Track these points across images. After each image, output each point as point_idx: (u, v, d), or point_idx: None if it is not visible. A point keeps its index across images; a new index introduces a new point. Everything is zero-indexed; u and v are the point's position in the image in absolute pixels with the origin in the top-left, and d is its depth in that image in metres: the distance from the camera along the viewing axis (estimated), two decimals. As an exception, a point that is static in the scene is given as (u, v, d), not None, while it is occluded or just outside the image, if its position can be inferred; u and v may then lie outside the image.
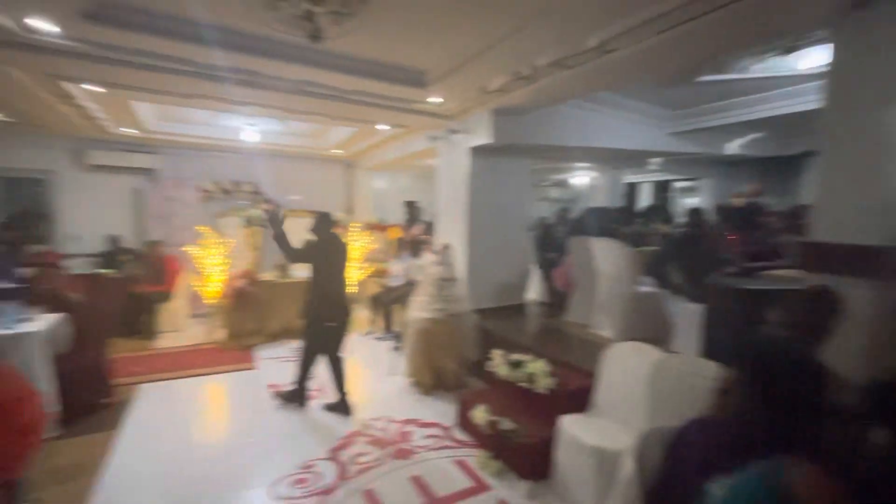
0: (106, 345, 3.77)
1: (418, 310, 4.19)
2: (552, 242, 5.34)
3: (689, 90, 4.39)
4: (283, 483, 2.68)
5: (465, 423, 3.32)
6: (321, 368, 3.64)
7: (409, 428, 3.39)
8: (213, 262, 5.46)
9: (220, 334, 5.24)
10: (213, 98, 3.93)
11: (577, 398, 2.88)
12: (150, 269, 5.73)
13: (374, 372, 4.61)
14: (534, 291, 5.60)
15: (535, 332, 4.40)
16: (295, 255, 3.53)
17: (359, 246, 6.49)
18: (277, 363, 4.66)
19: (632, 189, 9.77)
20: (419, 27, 2.73)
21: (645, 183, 9.75)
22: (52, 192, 6.23)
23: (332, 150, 7.00)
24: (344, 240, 3.79)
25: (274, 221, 3.46)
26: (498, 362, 3.35)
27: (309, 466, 2.86)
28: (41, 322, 3.14)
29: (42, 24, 2.54)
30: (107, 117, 4.91)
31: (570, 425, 2.62)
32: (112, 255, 5.98)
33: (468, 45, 2.92)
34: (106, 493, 2.55)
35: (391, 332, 5.60)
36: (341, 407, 3.58)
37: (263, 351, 5.06)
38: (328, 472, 2.81)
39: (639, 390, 2.50)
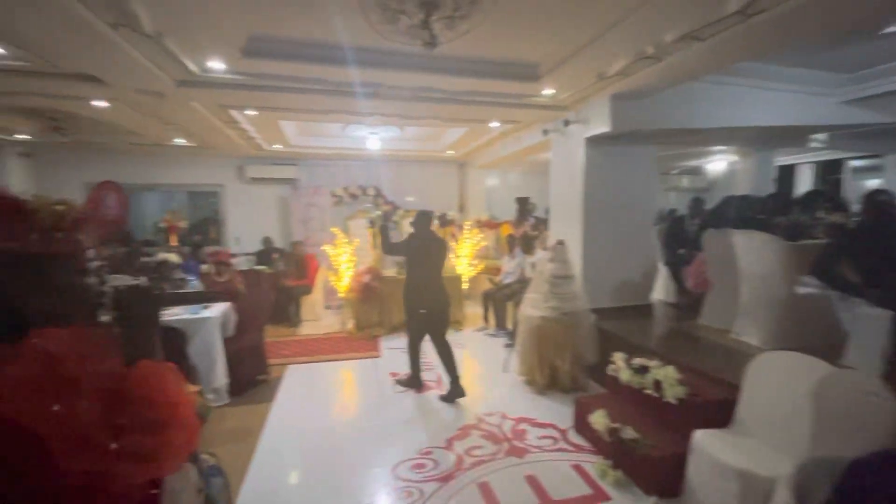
0: (263, 330, 4.44)
1: (531, 307, 4.13)
2: (683, 237, 4.80)
3: (871, 46, 3.57)
4: (403, 466, 2.86)
5: (582, 427, 3.18)
6: (434, 357, 3.93)
7: (522, 426, 3.36)
8: (343, 260, 6.07)
9: (350, 324, 5.81)
10: (343, 112, 4.37)
11: (713, 411, 2.56)
12: (295, 266, 6.60)
13: (487, 368, 4.66)
14: (660, 291, 5.11)
15: (663, 336, 4.01)
16: (388, 248, 3.97)
17: (470, 243, 6.63)
18: (398, 353, 4.98)
19: (785, 173, 8.31)
20: (530, 20, 2.68)
21: (803, 164, 8.21)
22: (222, 202, 7.55)
23: (446, 152, 7.25)
24: (440, 235, 4.18)
25: (383, 224, 4.04)
26: (619, 366, 3.13)
27: (426, 453, 3.01)
28: (216, 309, 3.82)
29: (215, 64, 3.09)
30: (260, 137, 5.78)
31: (706, 441, 2.34)
32: (265, 253, 7.01)
33: (583, 30, 2.78)
34: (264, 453, 3.02)
35: (503, 329, 5.61)
36: (454, 391, 3.78)
37: (386, 341, 5.47)
38: (444, 460, 2.93)
39: (797, 409, 2.13)
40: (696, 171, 9.37)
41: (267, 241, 7.17)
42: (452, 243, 6.77)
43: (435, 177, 8.15)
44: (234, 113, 4.48)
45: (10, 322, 0.74)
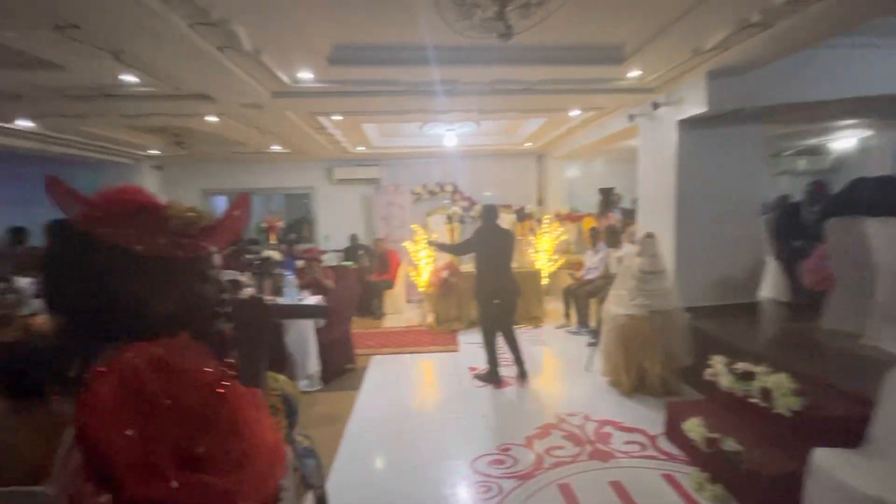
0: (350, 322, 4.73)
1: (617, 305, 3.90)
2: (798, 227, 4.20)
3: None
4: (482, 460, 2.87)
5: (674, 434, 2.94)
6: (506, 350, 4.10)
7: (607, 429, 3.20)
8: (422, 256, 6.24)
9: (430, 318, 5.96)
10: (421, 111, 4.47)
11: (837, 427, 2.22)
12: (378, 262, 6.92)
13: (569, 367, 4.51)
14: (770, 288, 4.52)
15: (773, 339, 3.57)
16: (456, 250, 4.22)
17: (550, 238, 6.43)
18: (476, 348, 5.00)
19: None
20: (613, -2, 2.51)
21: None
22: (313, 203, 8.14)
23: (524, 144, 7.11)
24: (506, 228, 4.32)
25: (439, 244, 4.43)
26: (719, 370, 2.85)
27: (505, 449, 3.00)
28: (309, 301, 4.14)
29: (304, 74, 3.33)
30: (345, 140, 6.12)
31: (831, 462, 2.03)
32: (351, 250, 7.44)
33: (674, 2, 2.53)
34: (352, 437, 3.22)
35: (586, 327, 5.38)
36: (520, 374, 4.04)
37: (464, 336, 5.53)
38: (523, 458, 2.89)
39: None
40: (817, 151, 8.13)
41: (353, 238, 7.59)
42: (531, 238, 6.64)
43: (512, 170, 8.02)
44: (322, 119, 4.80)
45: (132, 325, 0.73)
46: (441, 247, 4.53)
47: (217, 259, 0.83)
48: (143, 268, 0.72)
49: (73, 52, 2.54)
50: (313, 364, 4.01)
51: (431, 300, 5.97)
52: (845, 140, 7.05)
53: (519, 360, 4.06)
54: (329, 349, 4.18)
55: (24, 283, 4.30)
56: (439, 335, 5.60)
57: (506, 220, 7.38)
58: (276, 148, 6.38)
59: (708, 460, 2.56)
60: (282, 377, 1.46)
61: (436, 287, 5.87)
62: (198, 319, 0.80)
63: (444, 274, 5.83)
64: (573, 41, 3.13)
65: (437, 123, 5.67)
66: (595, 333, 4.54)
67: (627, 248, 5.12)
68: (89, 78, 3.14)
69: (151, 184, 7.36)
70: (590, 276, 5.70)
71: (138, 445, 0.63)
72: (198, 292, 0.79)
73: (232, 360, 0.79)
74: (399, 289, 6.86)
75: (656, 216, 4.35)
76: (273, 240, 7.91)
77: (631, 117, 4.40)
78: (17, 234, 5.87)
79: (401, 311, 6.76)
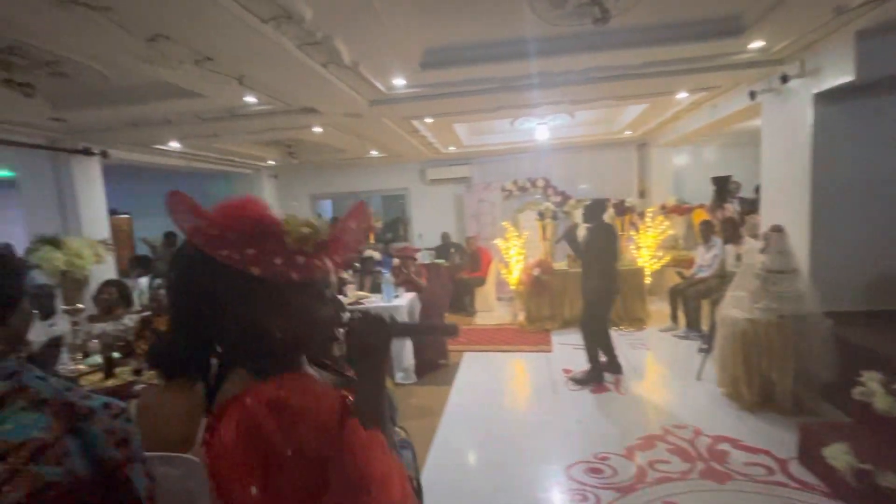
0: (443, 318, 4.85)
1: (735, 308, 3.47)
2: None
3: None
4: (578, 467, 2.75)
5: (810, 460, 2.53)
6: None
7: (723, 447, 2.87)
8: (513, 253, 6.16)
9: (521, 317, 5.87)
10: (513, 106, 4.41)
11: None
12: (469, 259, 7.00)
13: (676, 374, 4.13)
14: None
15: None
16: (579, 252, 4.09)
17: (653, 233, 5.94)
18: (570, 349, 4.82)
19: None
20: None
21: None
22: (407, 203, 8.49)
23: (623, 133, 6.64)
24: (612, 223, 4.38)
25: (571, 238, 4.15)
26: (874, 390, 2.38)
27: (603, 458, 2.84)
28: (404, 298, 4.32)
29: (398, 81, 3.48)
30: (437, 141, 6.28)
31: None
32: (443, 248, 7.61)
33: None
34: (445, 432, 3.30)
35: (696, 331, 4.88)
36: (611, 367, 4.03)
37: (558, 336, 5.35)
38: (623, 469, 2.71)
39: None
40: None
41: (445, 236, 7.77)
42: (632, 233, 6.20)
43: (610, 161, 7.53)
44: (415, 122, 4.97)
45: (251, 351, 0.71)
46: (571, 241, 4.22)
47: (334, 277, 0.77)
48: (260, 291, 0.68)
49: (207, 81, 2.95)
50: (408, 357, 4.19)
51: (522, 298, 5.87)
52: None
53: (611, 356, 4.05)
54: (423, 344, 4.33)
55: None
56: (531, 334, 5.49)
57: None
58: (374, 153, 6.77)
59: (856, 495, 2.16)
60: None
61: (527, 285, 5.76)
62: (314, 344, 0.77)
63: (536, 272, 5.69)
64: (679, 17, 2.85)
65: (529, 118, 5.54)
66: (707, 338, 4.09)
67: (749, 244, 4.52)
68: (220, 101, 3.62)
69: (269, 191, 8.27)
70: (701, 275, 5.15)
71: (262, 502, 0.59)
72: (315, 315, 0.73)
73: (351, 397, 0.73)
74: (490, 286, 6.87)
75: (785, 207, 3.77)
76: (371, 239, 8.42)
77: (752, 95, 3.86)
78: (171, 237, 7.02)
79: (492, 309, 6.76)
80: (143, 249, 7.64)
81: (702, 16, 2.85)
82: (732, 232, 4.59)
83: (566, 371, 4.22)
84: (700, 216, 6.10)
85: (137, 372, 2.55)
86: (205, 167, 6.62)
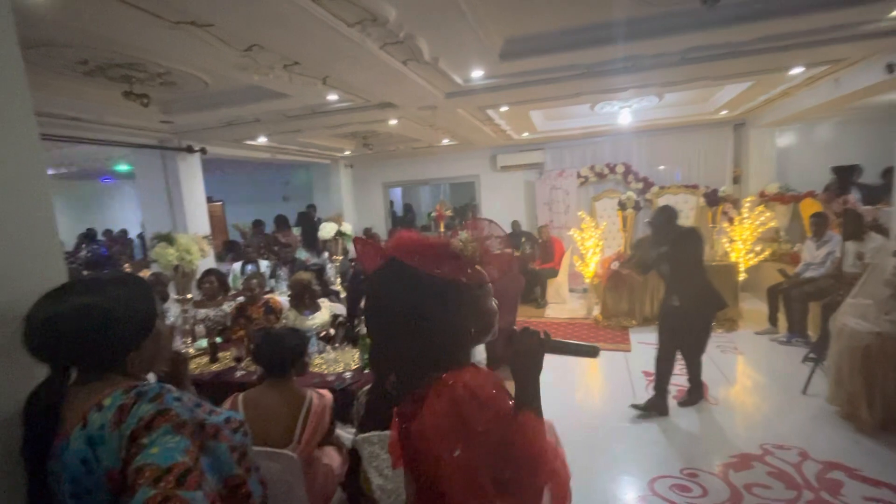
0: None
1: (857, 317, 3.04)
2: None
3: None
4: (662, 482, 2.60)
5: (953, 503, 2.18)
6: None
7: (836, 475, 2.56)
8: (589, 245, 5.88)
9: (596, 312, 5.63)
10: (596, 92, 4.15)
11: None
12: (541, 249, 6.81)
13: (776, 384, 3.74)
14: None
15: None
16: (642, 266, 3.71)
17: (751, 224, 5.36)
18: (651, 349, 4.52)
19: None
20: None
21: None
22: (478, 190, 8.41)
23: (719, 113, 6.00)
24: (696, 227, 3.68)
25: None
26: None
27: (691, 475, 2.65)
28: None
29: (476, 73, 3.39)
30: (510, 128, 6.10)
31: None
32: (514, 237, 7.48)
33: None
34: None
35: (801, 337, 4.38)
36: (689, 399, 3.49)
37: (636, 334, 5.06)
38: (715, 489, 2.52)
39: None
40: None
41: (515, 224, 7.62)
42: (726, 225, 5.65)
43: (700, 144, 6.84)
44: (489, 111, 4.86)
45: (452, 345, 0.86)
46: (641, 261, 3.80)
47: (491, 289, 0.92)
48: (457, 295, 0.84)
49: (294, 83, 3.07)
50: (480, 350, 4.19)
51: (598, 292, 5.62)
52: None
53: (694, 383, 3.47)
54: (495, 336, 4.30)
55: (264, 265, 5.54)
56: (607, 331, 5.25)
57: (690, 205, 6.46)
58: (446, 141, 6.75)
59: None
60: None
61: (603, 279, 5.49)
62: (486, 336, 0.91)
63: (615, 265, 5.40)
64: (807, -16, 2.45)
65: (612, 101, 5.19)
66: (817, 347, 3.64)
67: (876, 241, 3.93)
68: (304, 101, 3.77)
69: (345, 179, 8.61)
70: (809, 274, 4.58)
71: (465, 466, 0.72)
72: (490, 308, 0.90)
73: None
74: (562, 278, 6.64)
75: (928, 200, 3.20)
76: (441, 228, 8.48)
77: (891, 67, 3.28)
78: (258, 224, 7.57)
79: (564, 302, 6.55)
80: (234, 235, 8.35)
81: (834, -19, 2.44)
82: (855, 227, 3.98)
83: (646, 374, 3.99)
84: (810, 206, 5.40)
85: (238, 359, 2.79)
86: (287, 158, 7.02)
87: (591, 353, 0.90)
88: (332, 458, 1.99)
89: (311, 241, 6.18)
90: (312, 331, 3.15)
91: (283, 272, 5.14)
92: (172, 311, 3.36)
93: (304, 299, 3.33)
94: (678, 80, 3.93)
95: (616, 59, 3.17)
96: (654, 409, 3.34)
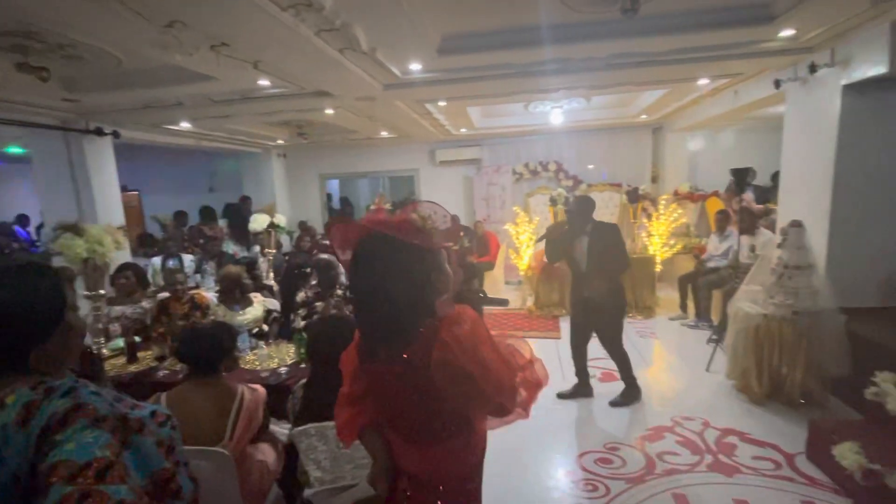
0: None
1: (749, 302, 3.47)
2: None
3: None
4: (588, 457, 2.81)
5: (818, 455, 2.58)
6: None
7: (731, 439, 2.92)
8: (524, 238, 6.14)
9: (529, 302, 5.90)
10: (529, 91, 4.32)
11: None
12: (478, 243, 6.99)
13: (685, 364, 4.17)
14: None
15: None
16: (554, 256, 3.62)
17: (666, 220, 5.89)
18: (580, 337, 4.86)
19: None
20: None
21: None
22: (417, 185, 8.43)
23: (639, 117, 6.50)
24: (606, 222, 3.48)
25: (554, 240, 3.60)
26: (888, 391, 2.40)
27: (613, 448, 2.90)
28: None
29: (414, 66, 3.41)
30: (449, 123, 6.19)
31: None
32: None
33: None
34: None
35: (706, 321, 4.90)
36: (628, 393, 3.49)
37: (566, 322, 5.34)
38: (633, 459, 2.77)
39: None
40: None
41: (453, 219, 7.73)
42: (645, 221, 6.15)
43: (623, 145, 7.39)
44: (428, 105, 4.89)
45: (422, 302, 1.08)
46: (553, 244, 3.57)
47: (446, 255, 1.15)
48: (420, 253, 1.07)
49: (222, 66, 2.90)
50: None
51: (532, 283, 5.89)
52: None
53: (628, 380, 3.46)
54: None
55: (188, 259, 5.17)
56: (540, 320, 5.53)
57: (614, 202, 6.94)
58: (384, 133, 6.69)
59: (864, 494, 2.20)
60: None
61: (536, 270, 5.77)
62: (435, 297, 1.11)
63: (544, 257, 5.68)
64: (710, 4, 2.74)
65: (544, 101, 5.43)
66: (718, 329, 4.11)
67: (765, 236, 4.49)
68: (233, 85, 3.57)
69: (277, 170, 8.24)
70: (713, 265, 5.13)
71: (490, 369, 1.04)
72: (441, 274, 1.11)
73: None
74: (499, 271, 6.87)
75: (804, 198, 3.71)
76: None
77: (777, 83, 3.75)
78: (181, 216, 7.03)
79: (501, 294, 6.78)
80: (154, 228, 7.69)
81: (732, 2, 2.75)
82: (749, 223, 4.53)
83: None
84: (714, 204, 6.03)
85: (161, 358, 2.61)
86: (213, 146, 6.58)
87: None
88: (266, 454, 1.94)
89: (241, 234, 5.85)
90: (244, 327, 3.02)
91: (209, 266, 4.83)
92: (81, 311, 3.05)
93: (234, 294, 3.18)
94: (603, 83, 4.21)
95: (548, 60, 3.33)
96: (579, 394, 3.57)
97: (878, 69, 2.97)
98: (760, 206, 5.24)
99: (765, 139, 6.72)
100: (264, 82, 3.51)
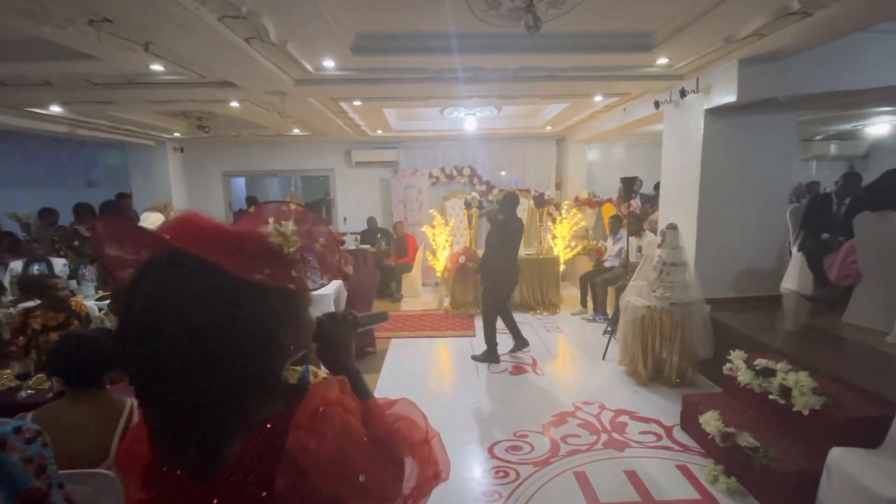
0: (370, 306, 4.82)
1: (636, 295, 3.91)
2: (828, 220, 4.11)
3: None
4: (499, 446, 2.97)
5: (689, 426, 2.99)
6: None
7: (623, 419, 3.27)
8: (440, 241, 6.28)
9: (446, 303, 6.04)
10: (443, 97, 4.44)
11: (856, 427, 2.24)
12: (396, 245, 6.99)
13: (585, 355, 4.56)
14: (793, 280, 4.48)
15: (794, 334, 3.55)
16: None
17: (568, 224, 6.40)
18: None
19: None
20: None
21: None
22: (332, 185, 8.20)
23: (545, 128, 7.00)
24: (520, 217, 4.40)
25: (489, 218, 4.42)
26: (738, 366, 2.86)
27: (522, 436, 3.08)
28: (330, 286, 4.23)
29: (327, 63, 3.33)
30: (365, 124, 6.12)
31: (848, 461, 2.06)
32: (369, 233, 7.52)
33: (709, -10, 2.45)
34: (373, 421, 3.33)
35: (603, 315, 5.40)
36: (519, 342, 4.45)
37: (481, 321, 5.59)
38: (540, 444, 2.97)
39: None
40: (850, 136, 7.85)
41: (371, 221, 7.66)
42: (549, 224, 6.61)
43: (531, 154, 7.90)
44: (343, 104, 4.80)
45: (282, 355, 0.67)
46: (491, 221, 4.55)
47: (312, 298, 0.74)
48: (254, 296, 0.60)
49: (104, 44, 2.58)
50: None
51: (448, 284, 6.03)
52: (881, 126, 6.78)
53: (518, 334, 4.44)
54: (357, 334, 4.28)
55: (59, 264, 4.49)
56: (456, 319, 5.68)
57: (523, 206, 7.37)
58: (297, 131, 6.42)
59: (723, 454, 2.60)
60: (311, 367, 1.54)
61: (452, 272, 5.92)
62: (304, 345, 0.74)
63: (462, 259, 5.87)
64: (601, 29, 3.06)
65: (458, 107, 5.62)
66: (612, 322, 4.56)
67: (650, 238, 5.08)
68: (119, 67, 3.19)
69: (174, 165, 7.49)
70: (609, 264, 5.69)
71: (367, 487, 0.63)
72: (297, 330, 0.69)
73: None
74: (416, 273, 6.94)
75: (679, 205, 4.29)
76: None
77: (657, 104, 4.30)
78: (48, 215, 6.06)
79: (418, 295, 6.85)
80: (13, 226, 6.53)
81: (621, 30, 3.10)
82: (635, 226, 5.12)
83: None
84: (608, 210, 6.69)
85: (23, 376, 2.24)
86: (93, 135, 5.81)
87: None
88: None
89: None
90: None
91: (87, 271, 4.25)
92: None
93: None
94: (512, 94, 4.48)
95: (460, 68, 3.47)
96: (487, 359, 4.29)
97: (729, 97, 3.54)
98: (643, 209, 5.92)
99: (650, 153, 7.62)
100: (158, 67, 3.19)
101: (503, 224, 4.22)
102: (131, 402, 1.63)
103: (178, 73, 3.34)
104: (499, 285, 4.31)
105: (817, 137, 8.01)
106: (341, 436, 0.62)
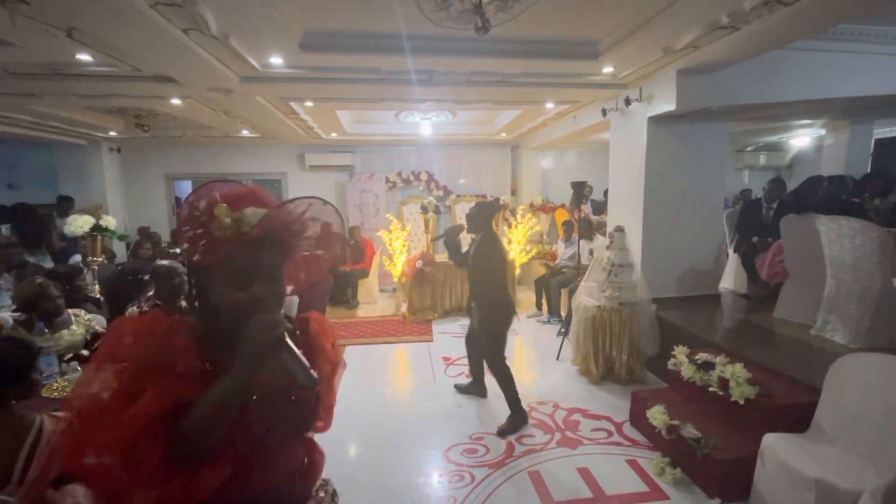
0: (323, 312, 4.67)
1: (587, 296, 4.01)
2: (758, 223, 4.41)
3: None
4: (455, 449, 2.93)
5: (638, 421, 3.08)
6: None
7: (576, 417, 3.32)
8: (397, 245, 6.20)
9: (404, 308, 5.96)
10: (397, 99, 4.40)
11: (786, 413, 2.38)
12: (353, 251, 6.84)
13: (540, 355, 4.62)
14: (729, 280, 4.78)
15: (731, 329, 3.76)
16: (459, 261, 3.45)
17: (523, 228, 6.52)
18: (450, 337, 5.07)
19: (888, 149, 7.34)
20: (590, -5, 2.52)
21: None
22: (285, 189, 7.93)
23: (500, 135, 7.11)
24: (496, 232, 3.38)
25: (451, 240, 3.41)
26: (681, 361, 2.98)
27: (478, 438, 3.06)
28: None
29: (275, 60, 3.22)
30: (318, 126, 5.97)
31: (778, 446, 2.18)
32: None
33: (647, 2, 2.57)
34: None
35: (557, 317, 5.52)
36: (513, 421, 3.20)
37: (438, 325, 5.56)
38: (495, 446, 2.97)
39: (891, 417, 1.93)
40: (776, 147, 8.53)
41: (325, 226, 7.44)
42: (506, 229, 6.70)
43: (487, 160, 8.01)
44: (293, 104, 4.66)
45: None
46: (451, 247, 3.43)
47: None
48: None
49: (20, 28, 2.36)
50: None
51: (405, 290, 5.96)
52: (802, 138, 7.40)
53: (508, 399, 3.26)
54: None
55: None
56: (414, 324, 5.62)
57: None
58: (246, 132, 6.16)
59: (669, 446, 2.69)
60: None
61: (410, 277, 5.86)
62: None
63: (419, 264, 5.82)
64: (550, 35, 3.14)
65: (413, 112, 5.60)
66: (565, 323, 4.66)
67: (600, 241, 5.26)
68: (39, 56, 2.94)
69: (110, 167, 6.99)
70: (562, 265, 5.82)
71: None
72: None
73: None
74: (373, 278, 6.81)
75: (626, 209, 4.47)
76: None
77: (604, 112, 4.47)
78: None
79: (375, 301, 6.73)
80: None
81: (568, 37, 3.19)
82: (586, 230, 5.28)
83: (445, 359, 4.43)
84: (561, 215, 6.87)
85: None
86: (13, 132, 5.31)
87: (309, 380, 0.84)
88: (78, 497, 1.59)
89: (35, 240, 4.68)
90: (52, 348, 2.46)
91: (4, 281, 3.84)
92: None
93: (35, 315, 2.57)
94: (465, 99, 4.52)
95: (413, 70, 3.45)
96: (473, 392, 3.67)
97: (668, 106, 3.74)
98: (596, 217, 6.13)
99: (600, 160, 7.90)
100: (85, 57, 2.96)
101: (491, 242, 3.21)
102: (40, 419, 1.47)
103: (110, 64, 3.11)
104: (507, 319, 3.23)
105: (749, 148, 8.65)
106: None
